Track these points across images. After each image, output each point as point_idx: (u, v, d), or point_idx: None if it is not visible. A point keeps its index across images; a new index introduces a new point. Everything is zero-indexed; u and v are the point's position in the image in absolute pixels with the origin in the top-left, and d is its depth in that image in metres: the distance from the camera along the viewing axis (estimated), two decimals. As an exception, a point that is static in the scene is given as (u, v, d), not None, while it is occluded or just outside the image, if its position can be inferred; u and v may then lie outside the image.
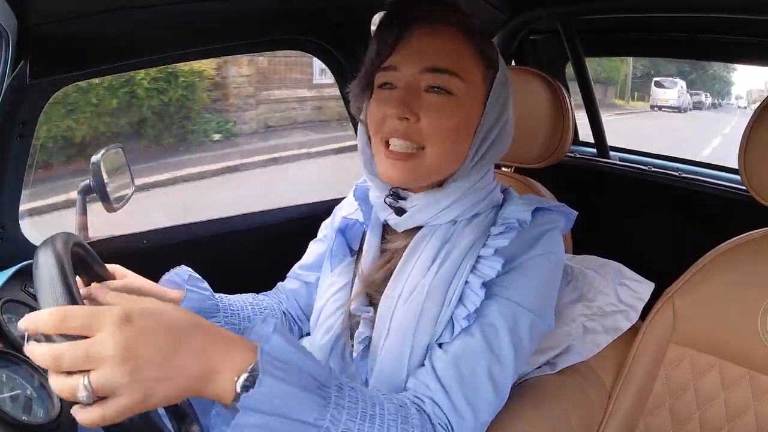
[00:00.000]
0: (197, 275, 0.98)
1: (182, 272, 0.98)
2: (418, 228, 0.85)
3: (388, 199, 0.85)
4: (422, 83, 0.78)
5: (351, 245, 0.97)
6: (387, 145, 0.80)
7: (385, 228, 0.91)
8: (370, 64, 0.82)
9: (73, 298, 0.63)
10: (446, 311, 0.78)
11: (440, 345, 0.78)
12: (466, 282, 0.79)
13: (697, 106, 7.26)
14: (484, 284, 0.77)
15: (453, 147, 0.80)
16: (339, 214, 1.05)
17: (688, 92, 7.15)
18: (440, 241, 0.82)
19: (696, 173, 1.53)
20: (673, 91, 7.14)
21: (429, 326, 0.78)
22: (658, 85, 7.37)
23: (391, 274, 0.84)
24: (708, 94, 7.71)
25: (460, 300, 0.78)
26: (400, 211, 0.85)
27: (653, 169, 1.58)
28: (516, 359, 0.77)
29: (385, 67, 0.80)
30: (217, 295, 0.99)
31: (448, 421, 0.72)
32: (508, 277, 0.79)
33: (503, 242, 0.79)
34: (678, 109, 7.04)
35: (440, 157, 0.79)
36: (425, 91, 0.78)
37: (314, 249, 1.09)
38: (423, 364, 0.79)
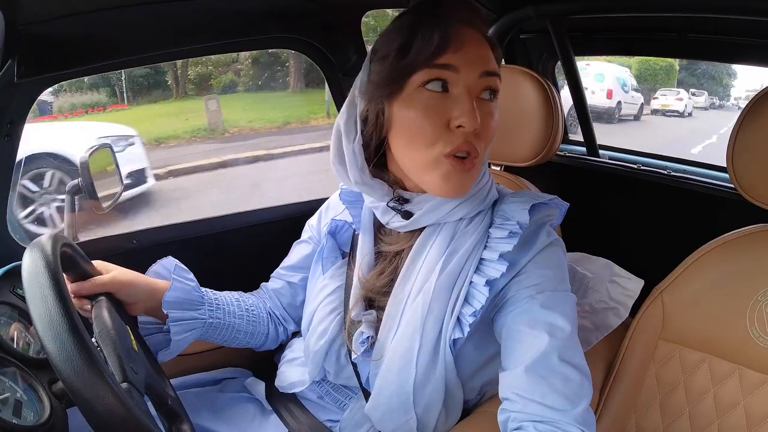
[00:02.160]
0: (183, 266, 0.98)
1: (168, 263, 0.98)
2: (421, 228, 0.85)
3: (392, 203, 0.84)
4: (480, 88, 0.76)
5: (341, 247, 0.96)
6: (451, 157, 0.76)
7: (378, 229, 0.91)
8: (415, 57, 0.75)
9: (63, 298, 0.62)
10: (453, 310, 0.79)
11: (505, 369, 0.77)
12: (471, 281, 0.80)
13: (713, 106, 10.34)
14: (488, 282, 0.78)
15: None
16: (326, 214, 1.05)
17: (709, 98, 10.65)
18: (447, 239, 0.82)
19: (684, 171, 1.54)
20: (702, 97, 10.06)
21: (436, 324, 0.78)
22: (693, 93, 10.16)
23: (395, 277, 0.84)
24: (717, 98, 10.66)
25: (466, 299, 0.79)
26: (407, 215, 0.84)
27: (642, 167, 1.59)
28: (576, 336, 0.77)
29: (441, 65, 0.74)
30: (203, 289, 0.99)
31: (552, 425, 0.71)
32: (530, 276, 0.80)
33: (507, 247, 0.79)
34: (704, 108, 9.89)
35: (483, 159, 0.80)
36: (480, 95, 0.77)
37: (299, 250, 1.08)
38: (433, 361, 0.79)
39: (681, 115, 8.14)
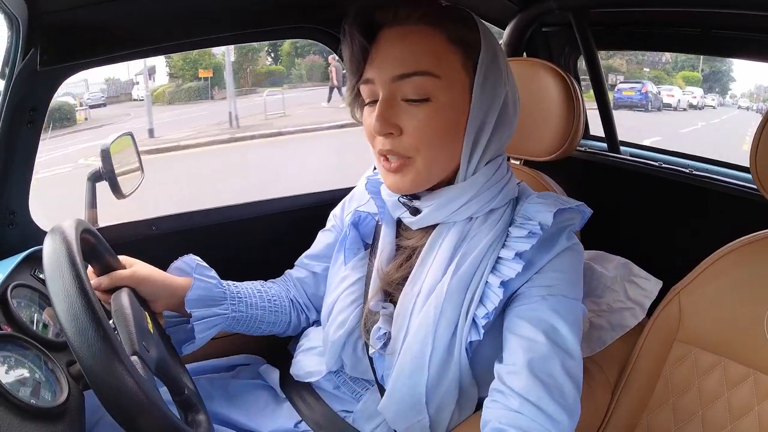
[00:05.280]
0: (204, 264, 0.99)
1: (190, 260, 0.99)
2: (435, 225, 0.85)
3: (402, 199, 0.85)
4: (399, 92, 0.77)
5: (364, 239, 0.97)
6: (383, 157, 0.80)
7: (400, 223, 0.91)
8: (350, 77, 0.81)
9: (81, 283, 0.63)
10: (467, 312, 0.78)
11: (502, 361, 0.77)
12: (486, 282, 0.79)
13: (721, 104, 13.82)
14: (503, 283, 0.77)
15: (444, 149, 0.79)
16: (350, 205, 1.05)
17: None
18: (456, 238, 0.82)
19: (707, 171, 1.51)
20: (715, 99, 13.96)
21: (449, 326, 0.78)
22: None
23: (410, 272, 0.84)
24: (722, 98, 14.43)
25: (480, 300, 0.79)
26: (414, 211, 0.84)
27: (664, 165, 1.56)
28: (579, 348, 0.77)
29: (363, 81, 0.79)
30: (224, 282, 1.00)
31: None
32: (544, 277, 0.79)
33: (525, 246, 0.78)
34: (714, 107, 13.52)
35: (432, 162, 0.79)
36: (404, 101, 0.77)
37: (322, 239, 1.09)
38: (446, 364, 0.78)
39: (713, 108, 13.22)
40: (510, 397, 0.73)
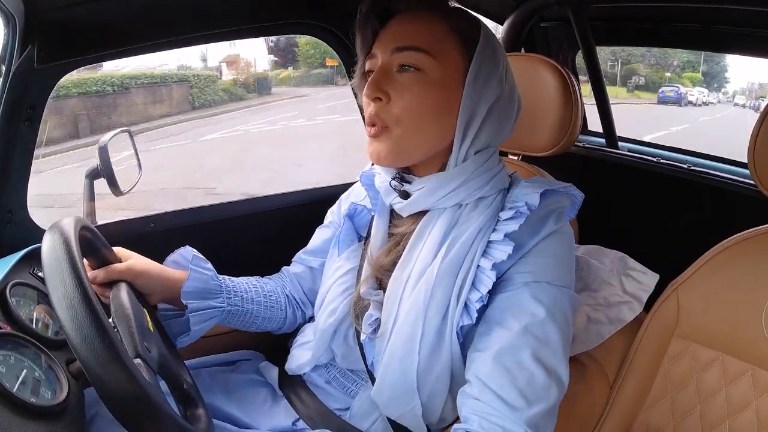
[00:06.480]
0: (201, 256, 0.99)
1: (186, 253, 1.00)
2: (425, 212, 0.85)
3: (393, 182, 0.86)
4: (394, 63, 0.80)
5: (359, 231, 0.98)
6: (371, 127, 0.82)
7: (393, 213, 0.91)
8: (360, 56, 0.86)
9: (80, 281, 0.63)
10: (458, 296, 0.78)
11: (477, 350, 0.78)
12: (478, 266, 0.79)
13: (719, 101, 15.49)
14: (495, 266, 0.78)
15: (425, 127, 0.80)
16: (346, 200, 1.06)
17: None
18: (446, 224, 0.82)
19: (705, 166, 1.51)
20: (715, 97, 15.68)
21: (440, 310, 0.78)
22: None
23: (399, 258, 0.85)
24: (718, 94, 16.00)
25: (474, 284, 0.79)
26: (405, 195, 0.85)
27: (662, 160, 1.57)
28: (563, 338, 0.77)
29: (370, 56, 0.83)
30: (221, 276, 1.00)
31: (498, 424, 0.71)
32: (528, 261, 0.79)
33: (513, 227, 0.78)
34: (714, 104, 15.33)
35: (410, 134, 0.80)
36: (397, 71, 0.80)
37: (320, 235, 1.10)
38: (437, 349, 0.79)
39: (714, 104, 15.05)
40: (473, 384, 0.75)
